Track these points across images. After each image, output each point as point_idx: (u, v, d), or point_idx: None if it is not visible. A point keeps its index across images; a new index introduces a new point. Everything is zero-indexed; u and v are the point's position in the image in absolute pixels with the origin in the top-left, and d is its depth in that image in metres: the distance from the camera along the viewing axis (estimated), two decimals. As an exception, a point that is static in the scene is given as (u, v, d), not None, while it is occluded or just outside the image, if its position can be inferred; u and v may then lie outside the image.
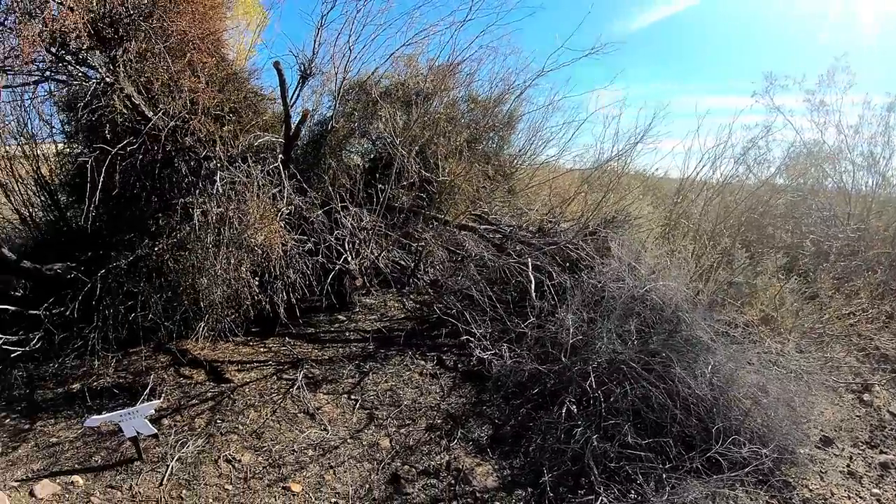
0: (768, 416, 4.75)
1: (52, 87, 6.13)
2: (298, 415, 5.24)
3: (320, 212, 6.02)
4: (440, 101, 7.49)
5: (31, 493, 4.37)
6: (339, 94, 6.81)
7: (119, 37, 4.98)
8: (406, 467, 4.60)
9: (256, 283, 5.45)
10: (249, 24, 7.14)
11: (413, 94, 7.26)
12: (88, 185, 4.96)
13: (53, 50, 4.86)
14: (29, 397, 5.80)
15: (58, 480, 4.52)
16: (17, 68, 4.93)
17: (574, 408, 4.87)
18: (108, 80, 4.93)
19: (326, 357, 6.29)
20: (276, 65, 5.94)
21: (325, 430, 5.03)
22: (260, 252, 5.27)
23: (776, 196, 9.69)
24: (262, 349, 6.63)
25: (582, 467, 4.42)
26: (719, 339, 5.12)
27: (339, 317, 7.42)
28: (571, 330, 5.23)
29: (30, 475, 4.63)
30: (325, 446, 4.81)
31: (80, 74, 5.14)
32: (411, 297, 7.05)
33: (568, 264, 6.51)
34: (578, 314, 5.41)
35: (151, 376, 5.90)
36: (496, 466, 4.64)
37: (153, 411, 4.77)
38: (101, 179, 4.96)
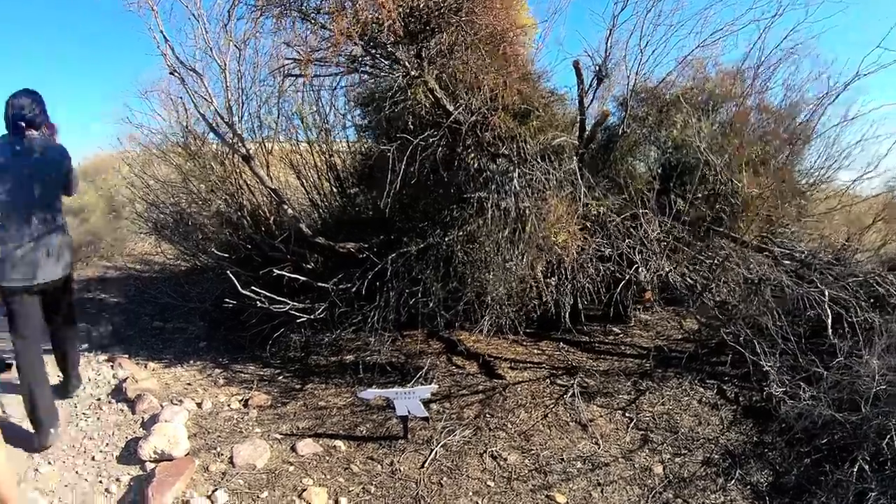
0: None
1: (347, 82, 6.46)
2: (570, 423, 5.05)
3: (619, 218, 5.81)
4: (731, 108, 6.99)
5: (293, 449, 4.57)
6: (630, 98, 6.55)
7: (429, 30, 5.04)
8: (678, 500, 4.23)
9: (552, 283, 5.36)
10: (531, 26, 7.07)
11: (706, 101, 6.85)
12: (390, 173, 5.11)
13: (362, 43, 4.99)
14: (303, 360, 6.21)
15: (320, 442, 4.68)
16: (328, 58, 5.15)
17: (867, 467, 4.28)
18: (413, 73, 5.02)
19: (601, 369, 6.06)
20: (576, 64, 5.82)
21: (596, 444, 4.78)
22: (556, 253, 5.16)
23: None
24: (535, 350, 6.55)
25: (868, 538, 3.85)
26: None
27: (614, 328, 7.17)
28: (876, 377, 4.63)
29: (294, 431, 4.86)
30: (595, 461, 4.56)
31: (385, 67, 5.27)
32: (696, 317, 6.60)
33: (873, 300, 5.81)
34: (885, 359, 4.79)
35: (424, 360, 6.05)
36: (773, 518, 4.17)
37: (429, 395, 4.79)
38: (401, 169, 5.06)
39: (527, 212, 5.12)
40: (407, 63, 5.00)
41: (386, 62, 5.19)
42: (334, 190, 7.40)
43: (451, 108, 5.20)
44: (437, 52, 5.02)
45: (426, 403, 4.89)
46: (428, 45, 5.01)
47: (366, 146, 6.90)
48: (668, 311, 7.58)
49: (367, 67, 5.46)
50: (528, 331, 6.40)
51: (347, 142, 7.36)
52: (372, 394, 4.72)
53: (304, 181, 7.38)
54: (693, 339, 6.67)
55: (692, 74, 7.12)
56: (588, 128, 6.06)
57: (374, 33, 4.86)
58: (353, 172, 7.06)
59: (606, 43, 6.18)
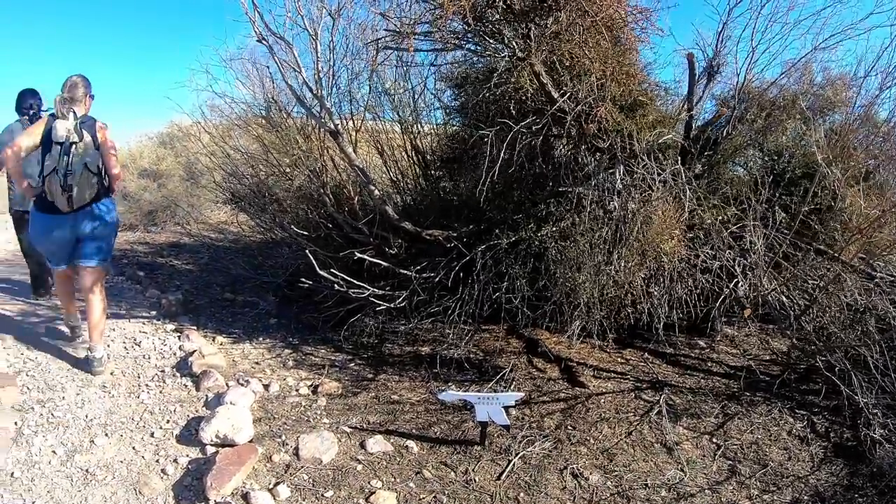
0: None
1: (442, 60, 6.15)
2: (655, 445, 4.66)
3: (730, 228, 5.39)
4: (839, 118, 6.52)
5: (363, 445, 4.31)
6: (739, 98, 6.10)
7: (545, 7, 4.68)
8: (764, 544, 3.85)
9: (654, 292, 5.01)
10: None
11: (817, 107, 6.39)
12: (487, 159, 4.76)
13: (469, 17, 4.63)
14: (377, 348, 5.98)
15: (391, 440, 4.41)
16: (430, 32, 4.85)
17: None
18: (519, 54, 4.67)
19: (687, 386, 5.63)
20: (690, 57, 5.52)
21: (682, 470, 4.37)
22: (660, 261, 4.80)
23: None
24: (619, 359, 6.15)
25: None
26: None
27: (700, 342, 6.69)
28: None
29: (364, 426, 4.61)
30: (680, 490, 4.15)
31: (490, 46, 4.92)
32: (793, 339, 6.12)
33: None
34: None
35: (504, 360, 5.74)
36: (859, 571, 3.75)
37: (513, 402, 4.48)
38: (500, 156, 4.74)
39: (633, 214, 4.75)
40: (514, 43, 4.65)
41: (491, 41, 4.84)
42: (418, 172, 7.15)
43: (555, 95, 4.85)
44: (548, 32, 4.66)
45: (507, 409, 4.57)
46: (541, 24, 4.66)
47: (455, 129, 6.66)
48: (754, 328, 7.07)
49: (472, 45, 5.13)
50: (610, 336, 6.03)
51: (435, 124, 7.09)
52: (453, 396, 4.42)
53: (386, 161, 7.13)
54: (781, 361, 6.20)
55: (803, 78, 6.65)
56: (695, 127, 5.71)
57: (482, 7, 4.54)
58: (441, 156, 6.79)
59: (718, 37, 5.81)
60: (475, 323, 5.90)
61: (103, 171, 4.84)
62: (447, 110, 6.65)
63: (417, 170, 7.12)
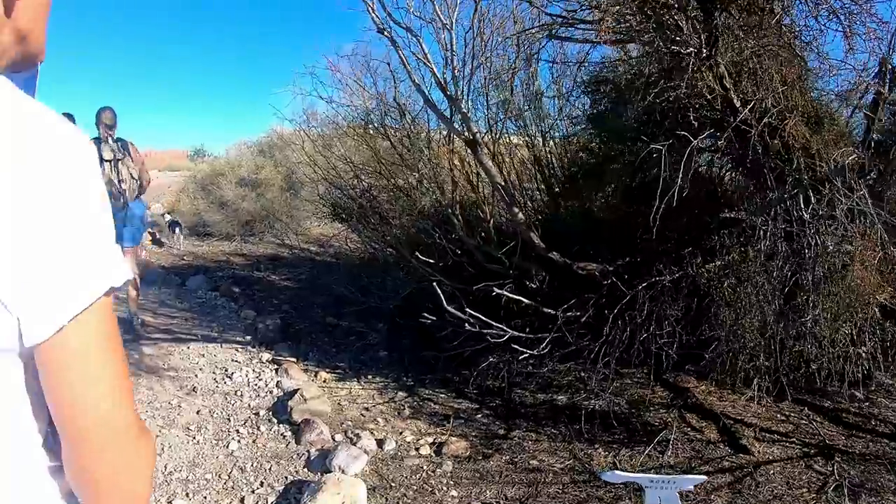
0: None
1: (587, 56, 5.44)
2: (836, 537, 3.80)
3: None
4: None
5: (500, 528, 3.49)
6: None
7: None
8: None
9: (863, 351, 4.19)
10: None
11: None
12: (661, 179, 3.95)
13: (646, 7, 3.88)
14: (504, 394, 5.23)
15: (535, 522, 3.59)
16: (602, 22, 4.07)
17: None
18: (703, 53, 3.85)
19: (857, 451, 4.70)
20: (883, 61, 4.60)
21: (872, 566, 3.56)
22: (861, 309, 3.98)
23: None
24: (778, 415, 5.26)
25: None
26: None
27: (856, 393, 5.73)
28: None
29: (501, 502, 3.80)
30: None
31: (670, 40, 4.08)
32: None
33: None
34: None
35: (652, 415, 4.98)
36: None
37: (692, 487, 3.67)
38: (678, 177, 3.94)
39: (838, 253, 3.94)
40: (700, 37, 3.85)
41: (669, 33, 4.02)
42: (543, 189, 6.41)
43: (737, 104, 4.04)
44: (739, 25, 3.89)
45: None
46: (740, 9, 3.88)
47: (586, 141, 5.96)
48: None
49: (655, 39, 4.29)
50: (790, 392, 5.13)
51: (569, 135, 6.32)
52: (620, 478, 3.56)
53: (506, 176, 6.25)
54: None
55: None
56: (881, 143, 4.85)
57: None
58: (575, 172, 6.01)
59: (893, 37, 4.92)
60: (613, 367, 5.10)
61: (136, 177, 6.44)
62: (588, 119, 5.84)
63: (543, 188, 6.38)
